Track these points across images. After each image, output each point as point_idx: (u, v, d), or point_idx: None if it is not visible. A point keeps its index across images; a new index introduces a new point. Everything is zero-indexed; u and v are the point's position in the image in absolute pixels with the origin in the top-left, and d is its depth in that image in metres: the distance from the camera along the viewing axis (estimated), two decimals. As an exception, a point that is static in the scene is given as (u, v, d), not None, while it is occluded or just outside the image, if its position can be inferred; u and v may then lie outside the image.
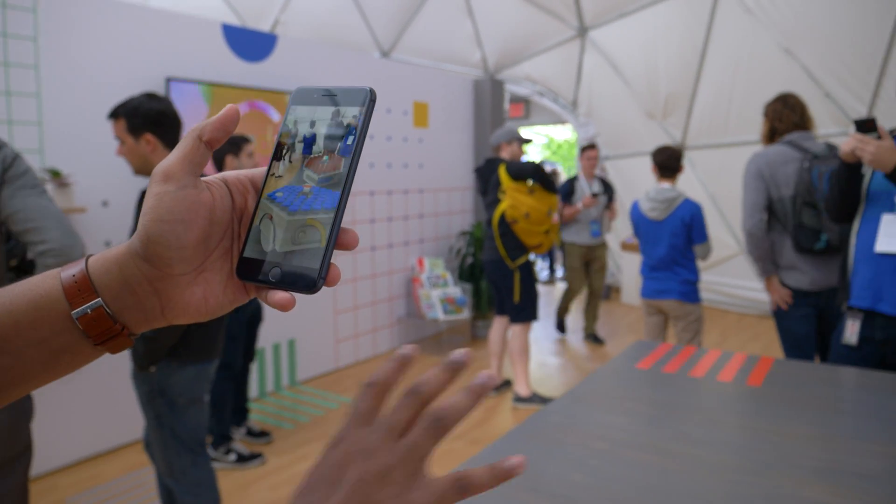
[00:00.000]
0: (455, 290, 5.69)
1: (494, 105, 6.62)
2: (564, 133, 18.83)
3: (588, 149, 5.84)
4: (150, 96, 2.26)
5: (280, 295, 0.46)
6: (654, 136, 7.04)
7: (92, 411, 3.53)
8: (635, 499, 1.27)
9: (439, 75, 6.28)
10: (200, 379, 2.31)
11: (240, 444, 3.53)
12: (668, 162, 3.64)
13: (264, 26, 7.45)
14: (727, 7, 5.99)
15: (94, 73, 3.47)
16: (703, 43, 6.30)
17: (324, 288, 0.48)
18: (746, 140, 6.28)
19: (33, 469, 3.15)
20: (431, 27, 7.67)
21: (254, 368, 4.39)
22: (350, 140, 0.47)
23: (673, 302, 3.60)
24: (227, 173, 0.50)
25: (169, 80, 3.73)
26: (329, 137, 0.47)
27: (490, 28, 7.62)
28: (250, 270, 0.47)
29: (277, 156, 0.49)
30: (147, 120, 2.20)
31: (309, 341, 4.81)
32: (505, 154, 4.35)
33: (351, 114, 0.47)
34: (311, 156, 0.47)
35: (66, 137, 3.39)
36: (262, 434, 3.73)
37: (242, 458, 3.45)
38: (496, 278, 4.32)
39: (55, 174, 3.23)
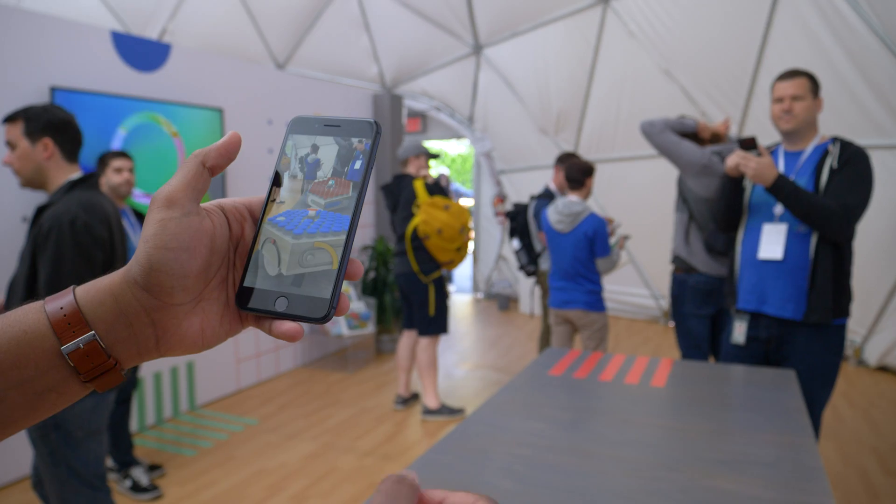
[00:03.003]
0: (359, 305, 5.66)
1: (394, 119, 6.66)
2: (460, 147, 19.19)
3: (568, 157, 4.51)
4: (56, 106, 2.14)
5: (288, 325, 0.45)
6: (548, 151, 7.33)
7: None
8: (566, 502, 1.32)
9: (338, 89, 6.25)
10: (100, 409, 2.17)
11: (142, 474, 3.32)
12: (571, 173, 3.74)
13: (151, 34, 7.12)
14: (612, 30, 6.35)
15: (-35, 80, 3.19)
16: (591, 63, 6.64)
17: None
18: (633, 155, 6.66)
19: None
20: (327, 40, 7.62)
21: (149, 394, 4.16)
22: (358, 165, 0.47)
23: (578, 311, 3.74)
24: (224, 200, 0.49)
25: (53, 90, 3.49)
26: (336, 163, 0.47)
27: (387, 43, 7.67)
28: (254, 300, 0.46)
29: (277, 182, 0.48)
30: (49, 125, 2.07)
31: (208, 363, 4.61)
32: (412, 168, 4.38)
33: (356, 141, 0.48)
34: (316, 181, 0.47)
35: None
36: (155, 468, 3.51)
37: (137, 488, 3.25)
38: (408, 291, 4.33)
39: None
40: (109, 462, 3.40)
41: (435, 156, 4.46)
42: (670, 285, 3.47)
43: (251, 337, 4.99)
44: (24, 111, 2.08)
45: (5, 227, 3.34)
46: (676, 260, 3.40)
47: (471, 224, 4.35)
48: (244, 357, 4.94)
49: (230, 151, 0.47)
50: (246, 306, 0.46)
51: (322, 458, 3.70)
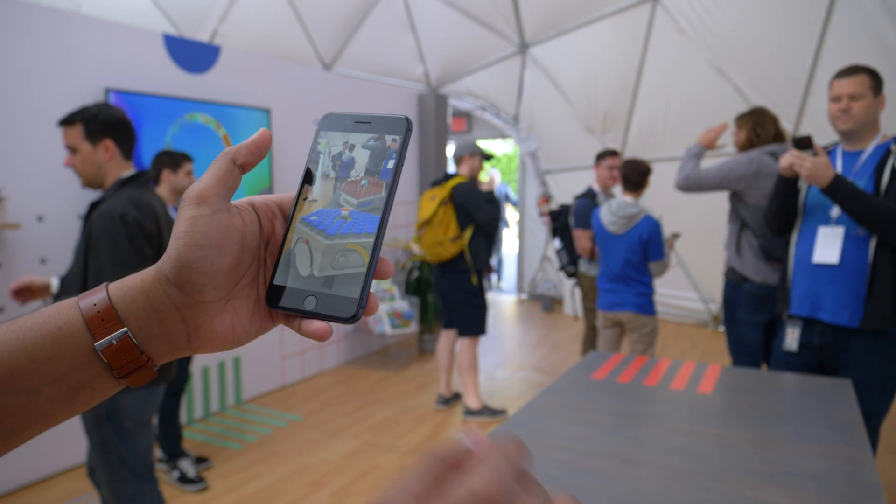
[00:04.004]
0: (402, 304, 5.68)
1: (438, 119, 6.67)
2: (505, 147, 19.10)
3: (608, 155, 4.58)
4: (108, 105, 2.19)
5: (317, 324, 0.45)
6: (594, 151, 7.20)
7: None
8: (604, 508, 1.29)
9: (383, 89, 6.29)
10: (150, 402, 2.23)
11: (189, 465, 3.41)
12: (629, 175, 3.69)
13: (202, 37, 7.29)
14: (662, 27, 6.22)
15: (28, 82, 3.31)
16: (639, 61, 6.52)
17: None
18: (682, 155, 6.50)
19: None
20: (374, 41, 7.67)
21: (197, 388, 4.26)
22: (390, 164, 0.46)
23: (629, 314, 3.66)
24: (256, 198, 0.48)
25: (108, 91, 3.60)
26: (369, 161, 0.47)
27: (432, 43, 7.68)
28: (281, 298, 0.46)
29: (309, 179, 0.48)
30: (107, 126, 2.13)
31: (254, 359, 4.69)
32: (464, 168, 4.30)
33: (390, 139, 0.47)
34: (349, 179, 0.47)
35: (1, 150, 3.22)
36: (201, 460, 3.60)
37: (184, 480, 3.33)
38: (446, 291, 4.33)
39: (-15, 189, 3.07)
40: (158, 453, 3.50)
41: (489, 157, 4.37)
42: (723, 289, 3.37)
43: (296, 334, 5.05)
44: (80, 114, 2.13)
45: (66, 225, 3.46)
46: (730, 272, 3.31)
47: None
48: (289, 353, 5.01)
49: (260, 149, 0.46)
50: (276, 305, 0.46)
51: (363, 455, 3.72)
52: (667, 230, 6.40)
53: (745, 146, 3.25)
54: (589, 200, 4.44)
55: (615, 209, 3.66)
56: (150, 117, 3.86)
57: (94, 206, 2.16)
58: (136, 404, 2.16)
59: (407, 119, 0.47)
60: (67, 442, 3.43)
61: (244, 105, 4.52)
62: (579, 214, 4.42)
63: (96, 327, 0.42)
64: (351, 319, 0.44)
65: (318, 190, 0.47)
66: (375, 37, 7.62)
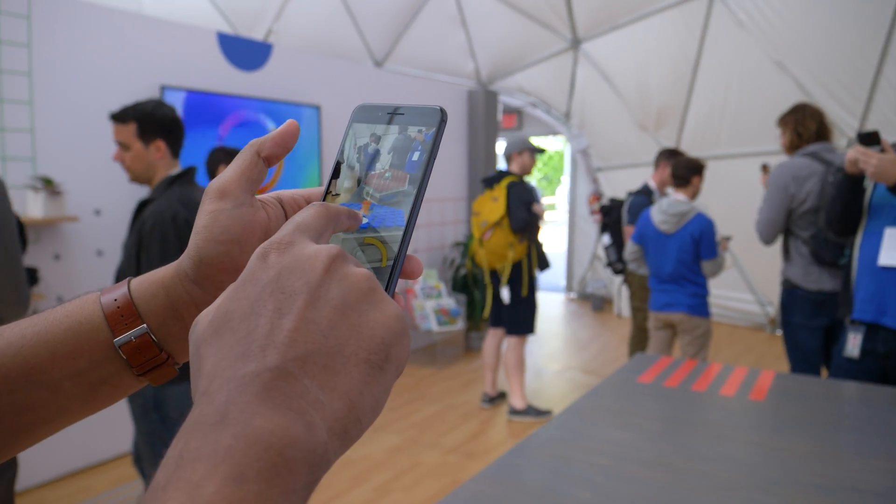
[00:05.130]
0: (449, 301, 5.67)
1: (488, 116, 6.62)
2: (556, 144, 18.91)
3: (673, 154, 4.38)
4: (160, 102, 2.23)
5: None
6: (647, 148, 7.06)
7: (80, 423, 3.46)
8: (645, 518, 1.24)
9: (433, 86, 6.29)
10: (195, 393, 2.27)
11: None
12: (675, 169, 3.59)
13: (257, 35, 7.43)
14: (720, 21, 6.03)
15: (87, 80, 3.43)
16: (695, 55, 6.34)
17: None
18: (739, 152, 6.31)
19: (19, 483, 3.08)
20: (425, 37, 7.67)
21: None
22: (416, 156, 0.43)
23: (681, 315, 3.56)
24: (283, 192, 0.47)
25: (163, 88, 3.70)
26: (394, 154, 0.44)
27: (483, 39, 7.64)
28: None
29: (336, 173, 0.46)
30: (161, 126, 2.17)
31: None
32: (515, 165, 4.23)
33: (417, 130, 0.44)
34: (373, 172, 0.44)
35: (59, 145, 3.34)
36: None
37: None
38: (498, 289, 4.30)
39: (47, 182, 3.19)
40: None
41: (541, 150, 4.27)
42: (780, 293, 3.28)
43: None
44: (134, 112, 2.16)
45: (122, 219, 3.57)
46: (785, 282, 3.26)
47: (483, 224, 4.22)
48: (336, 348, 5.06)
49: (286, 140, 0.44)
50: None
51: (406, 452, 3.72)
52: (725, 230, 6.22)
53: (790, 148, 3.21)
54: (644, 198, 4.35)
55: (666, 207, 3.56)
56: (204, 113, 3.95)
57: (143, 204, 2.20)
58: (182, 396, 2.21)
59: (441, 110, 0.44)
60: (120, 429, 3.55)
61: (295, 102, 4.58)
62: (633, 211, 4.33)
63: (116, 323, 0.41)
64: None
65: (343, 183, 0.45)
66: (426, 33, 7.62)
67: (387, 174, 0.44)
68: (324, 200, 0.45)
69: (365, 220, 0.43)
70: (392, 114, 0.46)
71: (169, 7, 6.76)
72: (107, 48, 3.50)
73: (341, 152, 0.46)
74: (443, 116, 0.44)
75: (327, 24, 7.45)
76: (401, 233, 0.42)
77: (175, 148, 2.22)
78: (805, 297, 3.04)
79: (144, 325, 0.42)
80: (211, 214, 0.41)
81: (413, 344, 5.92)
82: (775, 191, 3.10)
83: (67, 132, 3.37)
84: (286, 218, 0.46)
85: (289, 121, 0.45)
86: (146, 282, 0.43)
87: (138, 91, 3.60)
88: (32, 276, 2.60)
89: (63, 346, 0.41)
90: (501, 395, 4.61)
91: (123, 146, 2.19)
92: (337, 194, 0.45)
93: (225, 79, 4.15)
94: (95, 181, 3.48)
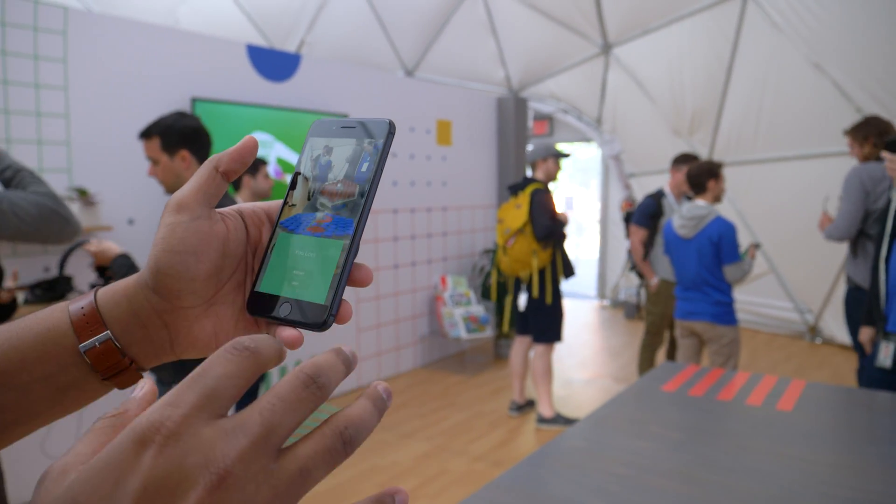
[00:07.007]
0: (478, 309, 5.65)
1: (518, 123, 6.61)
2: (589, 151, 18.75)
3: (689, 160, 4.35)
4: (182, 114, 2.27)
5: (287, 332, 0.44)
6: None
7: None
8: (659, 529, 1.22)
9: (463, 93, 6.30)
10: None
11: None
12: (690, 178, 3.54)
13: (290, 47, 7.55)
14: (753, 22, 5.92)
15: (121, 93, 3.53)
16: (729, 58, 6.22)
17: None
18: (776, 156, 6.17)
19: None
20: (455, 46, 7.70)
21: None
22: (365, 167, 0.46)
23: (704, 324, 3.49)
24: (244, 205, 0.49)
25: (194, 100, 3.78)
26: (345, 165, 0.46)
27: (513, 46, 7.64)
28: (261, 305, 0.45)
29: (293, 185, 0.48)
30: (183, 137, 2.22)
31: (331, 359, 4.79)
32: (540, 172, 4.22)
33: (367, 142, 0.47)
34: (326, 183, 0.47)
35: (94, 157, 3.44)
36: None
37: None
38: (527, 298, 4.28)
39: (82, 193, 3.28)
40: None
41: (565, 155, 4.24)
42: (844, 300, 3.45)
43: (373, 336, 5.13)
44: (156, 126, 2.22)
45: (154, 228, 3.65)
46: (849, 280, 3.38)
47: (507, 231, 4.19)
48: (366, 355, 5.09)
49: (244, 156, 0.46)
50: (254, 311, 0.46)
51: (434, 459, 3.72)
52: (762, 236, 6.08)
53: (865, 159, 3.38)
54: (653, 200, 4.36)
55: (684, 212, 3.51)
56: (234, 125, 4.02)
57: None
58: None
59: (389, 122, 0.47)
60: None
61: (325, 112, 4.64)
62: (640, 211, 4.36)
63: (81, 330, 0.43)
64: (321, 327, 0.42)
65: (298, 195, 0.47)
66: (457, 42, 7.65)
67: (338, 185, 0.46)
68: (281, 212, 0.47)
69: (322, 230, 0.45)
70: (345, 127, 0.48)
71: (205, 21, 6.93)
72: (139, 62, 3.60)
73: (299, 164, 0.49)
74: (390, 129, 0.46)
75: (359, 34, 7.54)
76: (349, 241, 0.44)
77: (201, 156, 2.26)
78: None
79: (108, 331, 0.43)
80: (168, 227, 0.44)
81: (442, 351, 5.91)
82: (852, 189, 3.25)
83: (102, 144, 3.47)
84: (247, 231, 0.47)
85: (247, 137, 0.47)
86: (111, 291, 0.45)
87: (170, 103, 3.69)
88: (67, 283, 2.68)
89: (33, 351, 0.43)
90: (530, 403, 4.57)
91: (153, 161, 2.25)
92: (293, 205, 0.47)
93: (255, 90, 4.22)
94: (129, 191, 3.57)
